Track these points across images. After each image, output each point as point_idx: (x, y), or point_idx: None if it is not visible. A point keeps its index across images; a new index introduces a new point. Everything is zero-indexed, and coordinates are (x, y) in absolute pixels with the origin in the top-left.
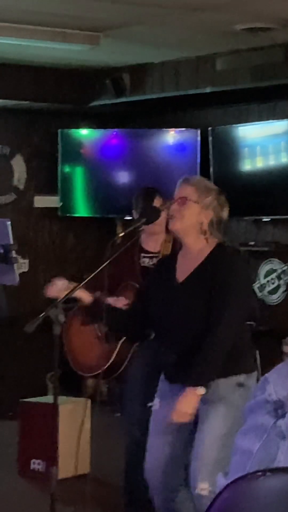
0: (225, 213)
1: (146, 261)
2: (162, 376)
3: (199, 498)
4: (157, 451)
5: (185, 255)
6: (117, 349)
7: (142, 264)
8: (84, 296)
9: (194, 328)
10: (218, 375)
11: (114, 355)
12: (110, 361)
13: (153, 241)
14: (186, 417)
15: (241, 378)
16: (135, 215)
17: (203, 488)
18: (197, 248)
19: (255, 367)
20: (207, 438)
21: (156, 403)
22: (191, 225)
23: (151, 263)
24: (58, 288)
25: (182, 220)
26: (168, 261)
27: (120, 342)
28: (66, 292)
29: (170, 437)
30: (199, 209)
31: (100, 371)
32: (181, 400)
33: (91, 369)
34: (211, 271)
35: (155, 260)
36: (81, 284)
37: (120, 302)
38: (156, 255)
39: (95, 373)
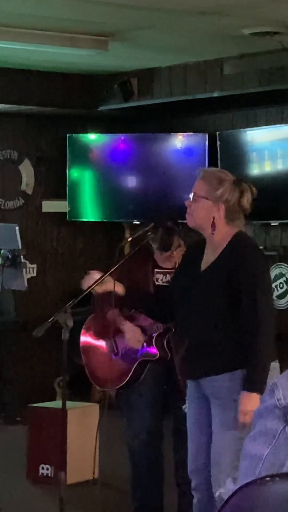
0: (244, 201)
1: (160, 278)
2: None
3: (221, 501)
4: (192, 451)
5: (209, 245)
6: (134, 369)
7: (156, 283)
8: (118, 288)
9: (208, 319)
10: (224, 370)
11: (131, 372)
12: (128, 378)
13: (168, 259)
14: (251, 415)
15: None
16: (154, 245)
17: (223, 492)
18: (217, 239)
19: (274, 356)
20: (222, 444)
21: (187, 405)
22: (203, 220)
23: (165, 280)
24: (94, 280)
25: (193, 217)
26: (196, 250)
27: (137, 362)
28: (101, 285)
29: (200, 436)
30: (208, 204)
31: (119, 386)
32: (242, 401)
33: (108, 384)
34: (230, 262)
35: (168, 277)
36: (103, 277)
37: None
38: (170, 271)
39: (115, 388)
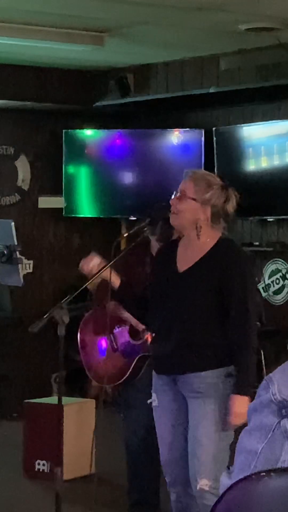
0: (229, 207)
1: None
2: (153, 372)
3: (201, 493)
4: (167, 444)
5: (187, 246)
6: (134, 364)
7: None
8: (114, 279)
9: (191, 319)
10: (207, 367)
11: (131, 368)
12: (128, 373)
13: None
14: (244, 417)
15: (230, 368)
16: (153, 238)
17: (204, 484)
18: (200, 241)
19: None
20: (201, 435)
21: (154, 399)
22: (188, 221)
23: None
24: (93, 263)
25: (178, 216)
26: (168, 250)
27: (137, 357)
28: (97, 270)
29: (175, 430)
30: (196, 206)
31: (119, 381)
32: (236, 404)
33: (107, 380)
34: (219, 264)
35: None
36: (97, 274)
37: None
38: None
39: (114, 383)
